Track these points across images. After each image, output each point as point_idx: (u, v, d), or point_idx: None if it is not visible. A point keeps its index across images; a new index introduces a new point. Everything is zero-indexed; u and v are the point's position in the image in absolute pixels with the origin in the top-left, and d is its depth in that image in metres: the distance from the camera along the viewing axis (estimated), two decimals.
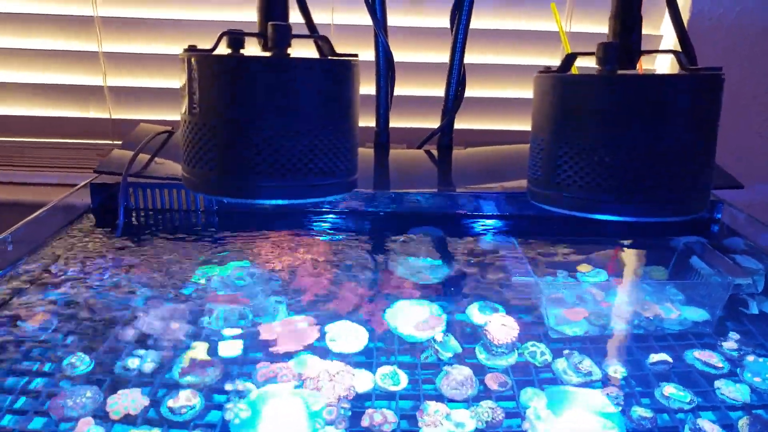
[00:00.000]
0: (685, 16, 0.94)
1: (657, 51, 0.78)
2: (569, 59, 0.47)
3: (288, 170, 0.44)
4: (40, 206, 0.68)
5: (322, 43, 0.47)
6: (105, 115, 1.00)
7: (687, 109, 0.43)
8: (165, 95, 0.99)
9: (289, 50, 0.47)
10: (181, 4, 0.96)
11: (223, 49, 0.44)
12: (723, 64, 0.46)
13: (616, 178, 0.43)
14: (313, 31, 0.51)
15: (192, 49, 0.44)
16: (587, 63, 0.47)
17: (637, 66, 0.48)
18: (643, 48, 0.48)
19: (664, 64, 1.00)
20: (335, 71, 0.45)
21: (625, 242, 0.73)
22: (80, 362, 0.47)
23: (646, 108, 0.42)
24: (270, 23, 0.45)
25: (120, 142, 0.82)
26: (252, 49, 0.48)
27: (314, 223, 0.76)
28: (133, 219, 0.76)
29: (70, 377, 0.45)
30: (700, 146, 0.44)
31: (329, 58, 0.47)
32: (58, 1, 0.96)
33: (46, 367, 0.46)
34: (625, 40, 0.46)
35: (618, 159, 0.43)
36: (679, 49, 0.49)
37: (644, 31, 0.48)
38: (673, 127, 0.43)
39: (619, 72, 0.45)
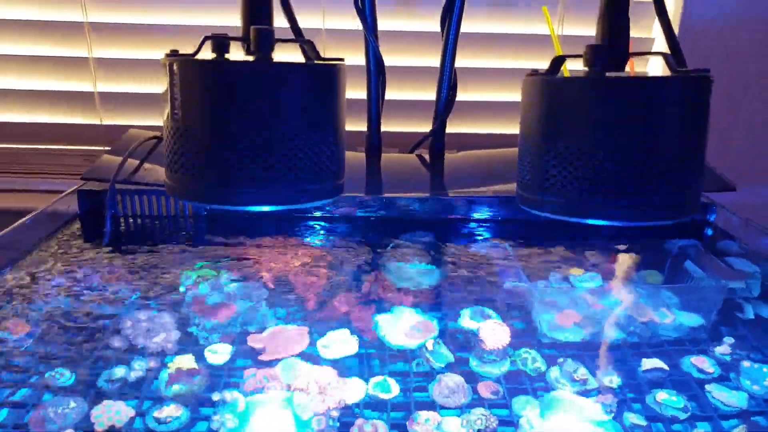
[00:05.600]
0: (677, 17, 0.94)
1: (645, 53, 0.78)
2: (557, 62, 0.46)
3: (271, 176, 0.43)
4: (28, 213, 0.67)
5: (307, 47, 0.47)
6: (96, 121, 1.00)
7: (675, 111, 0.43)
8: (156, 100, 0.98)
9: (276, 54, 0.46)
10: (171, 10, 0.96)
11: (207, 54, 0.44)
12: (715, 64, 0.45)
13: (604, 182, 0.43)
14: (298, 34, 0.50)
15: (173, 54, 0.44)
16: (579, 65, 0.47)
17: (629, 68, 0.48)
18: (634, 50, 0.47)
19: (656, 66, 0.99)
20: (318, 75, 0.44)
21: (620, 246, 0.73)
22: (64, 372, 0.46)
23: (634, 110, 0.42)
24: (252, 27, 0.45)
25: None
26: (239, 54, 0.47)
27: (305, 229, 0.75)
28: (121, 226, 0.75)
29: (54, 388, 0.44)
30: (689, 149, 0.43)
31: (313, 62, 0.47)
32: (48, 6, 0.95)
33: (30, 378, 0.46)
34: (614, 42, 0.46)
35: (606, 163, 0.42)
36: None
37: (636, 34, 0.47)
38: (662, 130, 0.42)
39: (608, 74, 0.45)
